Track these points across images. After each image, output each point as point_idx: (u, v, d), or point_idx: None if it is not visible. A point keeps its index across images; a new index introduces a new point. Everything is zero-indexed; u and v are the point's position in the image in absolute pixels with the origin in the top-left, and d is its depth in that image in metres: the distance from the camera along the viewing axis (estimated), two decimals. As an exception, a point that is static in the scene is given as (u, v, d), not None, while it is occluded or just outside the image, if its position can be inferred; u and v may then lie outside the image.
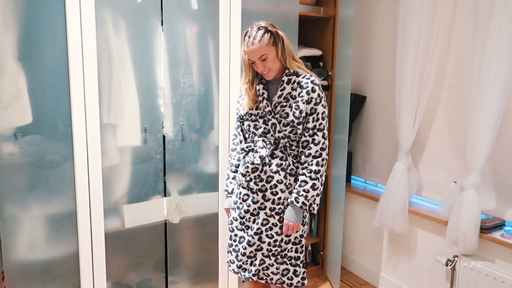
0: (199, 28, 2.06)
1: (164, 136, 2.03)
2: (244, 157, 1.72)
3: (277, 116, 1.64)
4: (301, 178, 1.65)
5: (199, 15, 2.05)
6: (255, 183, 1.68)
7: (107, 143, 1.88)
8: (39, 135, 1.70)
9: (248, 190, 1.71)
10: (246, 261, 1.75)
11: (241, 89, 1.77)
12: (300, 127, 1.65)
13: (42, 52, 1.67)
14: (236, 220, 1.76)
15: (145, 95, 1.95)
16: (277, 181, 1.66)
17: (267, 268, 1.75)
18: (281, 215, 1.69)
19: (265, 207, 1.69)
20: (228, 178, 1.84)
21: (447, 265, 2.16)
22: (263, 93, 1.69)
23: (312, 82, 1.65)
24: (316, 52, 2.66)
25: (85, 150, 1.79)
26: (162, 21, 1.94)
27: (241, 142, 1.81)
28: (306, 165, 1.65)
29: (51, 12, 1.67)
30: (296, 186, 1.65)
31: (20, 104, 1.65)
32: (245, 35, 1.63)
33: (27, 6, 1.62)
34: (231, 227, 1.80)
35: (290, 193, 1.68)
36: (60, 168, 1.77)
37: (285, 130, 1.64)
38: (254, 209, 1.71)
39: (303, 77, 1.66)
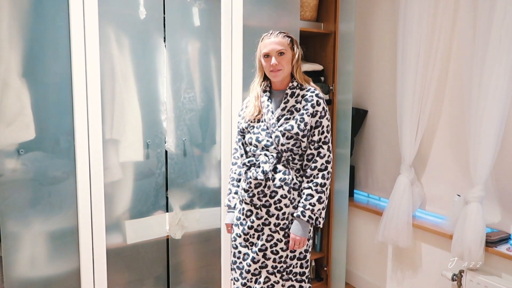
0: (201, 44, 2.08)
1: (166, 151, 2.03)
2: (246, 172, 1.71)
3: (281, 128, 1.64)
4: (306, 191, 1.64)
5: (201, 32, 2.07)
6: (259, 198, 1.67)
7: (110, 159, 1.87)
8: (41, 151, 1.70)
9: (251, 205, 1.70)
10: (251, 278, 1.72)
11: (251, 89, 1.78)
12: (305, 140, 1.64)
13: (46, 68, 1.68)
14: (240, 236, 1.74)
15: (148, 110, 1.96)
16: (281, 196, 1.64)
17: (273, 286, 1.72)
18: (286, 230, 1.67)
19: (270, 222, 1.67)
20: (230, 193, 1.83)
21: (453, 279, 2.13)
22: (267, 105, 1.70)
23: (316, 95, 1.66)
24: (317, 67, 2.68)
25: (87, 166, 1.79)
26: (164, 38, 1.96)
27: (242, 156, 1.80)
28: (311, 178, 1.64)
29: (55, 30, 1.69)
30: (302, 200, 1.64)
31: (23, 120, 1.65)
32: (265, 35, 1.68)
33: (32, 24, 1.64)
34: (235, 244, 1.78)
35: (294, 207, 1.67)
36: (62, 184, 1.76)
37: (288, 143, 1.64)
38: (258, 225, 1.69)
39: (307, 91, 1.67)
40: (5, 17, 1.58)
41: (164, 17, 1.95)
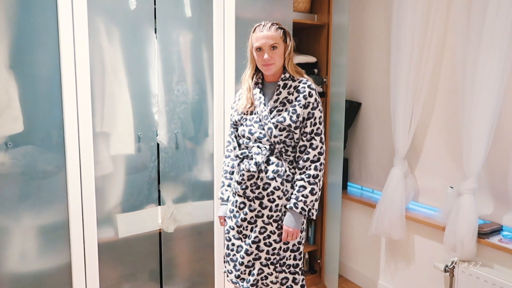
0: (193, 35, 2.05)
1: (158, 144, 2.00)
2: (238, 165, 1.69)
3: (274, 120, 1.63)
4: (299, 183, 1.63)
5: (193, 23, 2.04)
6: (252, 190, 1.66)
7: (100, 152, 1.85)
8: (30, 145, 1.67)
9: (244, 198, 1.69)
10: (244, 270, 1.72)
11: (242, 81, 1.76)
12: (297, 131, 1.63)
13: (34, 60, 1.65)
14: (233, 229, 1.73)
15: (139, 103, 1.93)
16: (274, 188, 1.63)
17: (266, 278, 1.71)
18: (279, 222, 1.67)
19: (263, 214, 1.67)
20: (223, 186, 1.82)
21: (445, 271, 2.14)
22: (260, 97, 1.68)
23: (309, 86, 1.65)
24: (311, 59, 2.66)
25: (78, 159, 1.76)
26: (155, 29, 1.93)
27: (234, 148, 1.79)
28: (304, 170, 1.63)
29: (43, 21, 1.65)
30: (295, 192, 1.64)
31: (11, 112, 1.62)
32: (257, 26, 1.65)
33: (20, 15, 1.61)
34: (228, 236, 1.77)
35: (287, 199, 1.66)
36: (52, 178, 1.73)
37: (281, 135, 1.63)
38: (251, 217, 1.68)
39: (299, 82, 1.66)
40: (-9, 7, 1.54)
41: (155, 8, 1.92)
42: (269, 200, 1.65)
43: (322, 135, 1.66)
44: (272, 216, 1.66)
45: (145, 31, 1.91)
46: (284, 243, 1.69)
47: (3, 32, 1.58)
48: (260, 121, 1.66)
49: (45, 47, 1.67)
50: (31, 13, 1.63)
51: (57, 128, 1.72)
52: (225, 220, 1.80)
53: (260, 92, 1.69)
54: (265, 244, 1.68)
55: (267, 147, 1.65)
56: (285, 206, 1.66)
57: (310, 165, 1.63)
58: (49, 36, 1.67)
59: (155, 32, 1.94)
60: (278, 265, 1.70)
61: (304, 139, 1.64)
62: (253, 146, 1.68)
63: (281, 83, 1.66)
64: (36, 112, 1.68)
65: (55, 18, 1.67)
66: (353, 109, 2.78)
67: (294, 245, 1.70)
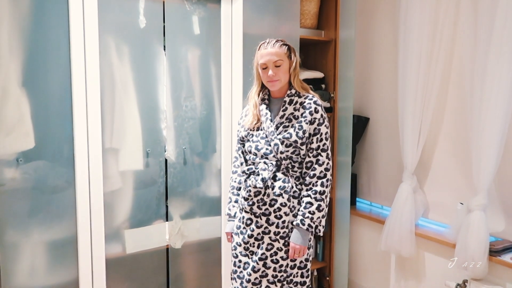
0: (201, 52, 2.08)
1: (166, 160, 2.02)
2: (245, 180, 1.70)
3: (280, 136, 1.63)
4: (306, 199, 1.62)
5: (201, 40, 2.07)
6: (258, 207, 1.66)
7: (109, 167, 1.87)
8: (41, 160, 1.70)
9: (251, 214, 1.69)
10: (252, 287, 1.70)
11: (248, 97, 1.77)
12: (304, 147, 1.63)
13: (46, 77, 1.69)
14: (240, 245, 1.73)
15: (148, 119, 1.95)
16: (281, 204, 1.63)
17: (272, 295, 1.70)
18: (286, 239, 1.66)
19: (270, 231, 1.66)
20: (230, 202, 1.82)
21: (457, 289, 2.10)
22: (266, 113, 1.69)
23: (315, 102, 1.65)
24: (318, 74, 2.67)
25: (87, 175, 1.78)
26: (164, 46, 1.97)
27: (242, 164, 1.79)
28: (310, 186, 1.63)
29: (55, 39, 1.69)
30: (301, 208, 1.63)
31: (23, 129, 1.65)
32: (262, 44, 1.67)
33: (32, 33, 1.65)
34: (235, 253, 1.76)
35: (294, 216, 1.65)
36: (62, 193, 1.75)
37: (288, 151, 1.63)
38: (258, 233, 1.67)
39: (305, 98, 1.67)
40: (5, 26, 1.59)
41: (164, 26, 1.95)
42: (275, 217, 1.64)
43: (329, 151, 1.66)
44: (279, 232, 1.65)
45: (154, 48, 1.95)
46: (291, 260, 1.67)
47: (16, 51, 1.62)
48: (266, 137, 1.67)
49: (57, 64, 1.71)
50: (43, 31, 1.67)
51: (68, 144, 1.75)
52: (232, 236, 1.79)
53: (266, 108, 1.71)
54: (272, 261, 1.66)
55: (274, 163, 1.65)
56: (292, 223, 1.65)
57: (316, 181, 1.62)
58: (60, 54, 1.71)
59: (164, 49, 1.97)
60: (285, 282, 1.68)
61: (311, 155, 1.64)
62: (260, 162, 1.68)
63: (287, 99, 1.67)
64: (47, 128, 1.71)
65: (67, 36, 1.71)
66: (361, 124, 2.77)
67: (301, 262, 1.69)
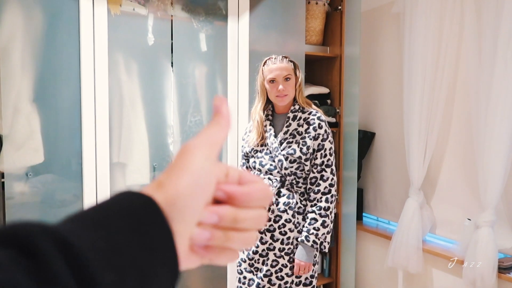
0: (208, 68, 2.12)
1: (172, 174, 2.03)
2: (250, 196, 1.70)
3: (284, 152, 1.65)
4: (310, 215, 1.63)
5: (208, 57, 2.11)
6: (263, 222, 1.65)
7: (117, 182, 1.89)
8: (50, 174, 1.73)
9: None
10: (256, 304, 1.70)
11: (252, 116, 1.76)
12: (308, 163, 1.64)
13: (56, 94, 1.73)
14: (245, 261, 1.73)
15: (155, 134, 1.98)
16: (285, 220, 1.63)
17: (277, 312, 1.69)
18: (291, 255, 1.65)
19: (274, 247, 1.66)
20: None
21: (465, 307, 2.06)
22: (270, 129, 1.71)
23: (318, 118, 1.66)
24: (324, 90, 2.70)
25: (95, 189, 1.81)
26: (172, 63, 2.01)
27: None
28: (315, 202, 1.63)
29: (66, 56, 1.74)
30: (306, 224, 1.63)
31: (33, 144, 1.68)
32: (268, 59, 1.69)
33: (44, 51, 1.70)
34: (240, 269, 1.76)
35: (299, 232, 1.65)
36: (70, 207, 1.77)
37: (292, 167, 1.64)
38: (263, 250, 1.67)
39: (309, 114, 1.68)
40: (18, 45, 1.64)
41: (172, 43, 1.99)
42: (280, 233, 1.64)
43: (333, 167, 1.66)
44: (283, 249, 1.65)
45: (162, 65, 1.98)
46: (297, 277, 1.67)
47: (28, 68, 1.67)
48: (270, 153, 1.68)
49: (67, 81, 1.75)
50: (55, 49, 1.72)
51: (76, 158, 1.78)
52: (237, 252, 1.79)
53: (270, 124, 1.72)
54: (277, 277, 1.66)
55: (278, 179, 1.66)
56: (296, 239, 1.65)
57: (321, 197, 1.63)
58: (71, 71, 1.75)
59: (172, 65, 2.01)
60: (290, 298, 1.67)
61: (315, 170, 1.65)
62: (264, 178, 1.69)
63: (290, 114, 1.69)
64: (56, 143, 1.74)
65: (77, 53, 1.75)
66: (367, 139, 2.77)
67: (306, 278, 1.68)
